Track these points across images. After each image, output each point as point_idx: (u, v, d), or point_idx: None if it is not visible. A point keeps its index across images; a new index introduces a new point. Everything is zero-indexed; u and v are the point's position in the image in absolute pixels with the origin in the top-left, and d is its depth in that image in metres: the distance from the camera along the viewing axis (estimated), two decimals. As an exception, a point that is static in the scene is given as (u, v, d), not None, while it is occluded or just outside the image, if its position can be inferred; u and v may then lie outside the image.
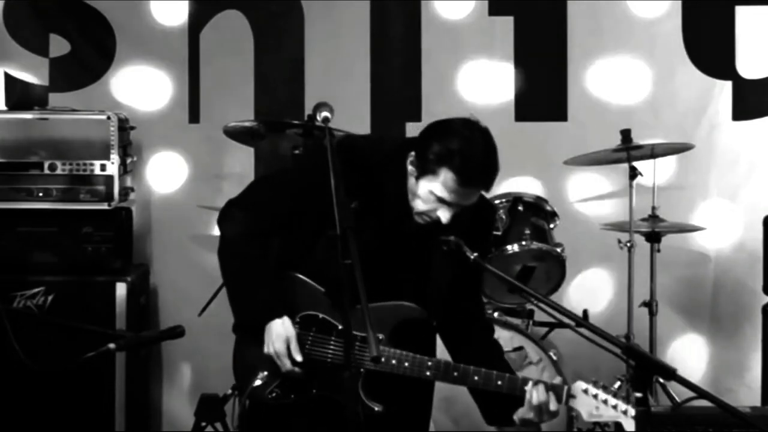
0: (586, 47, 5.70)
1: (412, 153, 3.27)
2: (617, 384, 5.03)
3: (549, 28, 5.70)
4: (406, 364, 3.27)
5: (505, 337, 4.63)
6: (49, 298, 5.02)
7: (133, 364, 5.10)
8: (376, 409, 3.27)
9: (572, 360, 5.16)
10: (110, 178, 5.10)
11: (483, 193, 3.34)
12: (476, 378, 3.25)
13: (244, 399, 3.35)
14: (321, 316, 3.34)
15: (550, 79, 5.71)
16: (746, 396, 5.59)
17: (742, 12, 5.65)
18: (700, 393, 2.85)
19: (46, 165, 5.08)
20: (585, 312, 4.81)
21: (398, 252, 3.35)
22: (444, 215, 3.23)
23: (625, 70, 5.69)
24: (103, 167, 5.10)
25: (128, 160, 5.34)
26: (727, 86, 5.67)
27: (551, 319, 3.71)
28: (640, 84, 5.69)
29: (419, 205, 3.26)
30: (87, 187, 5.10)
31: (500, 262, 4.74)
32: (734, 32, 5.65)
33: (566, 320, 3.15)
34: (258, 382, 3.31)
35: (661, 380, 4.92)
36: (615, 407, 3.13)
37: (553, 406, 3.19)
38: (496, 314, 4.79)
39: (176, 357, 5.70)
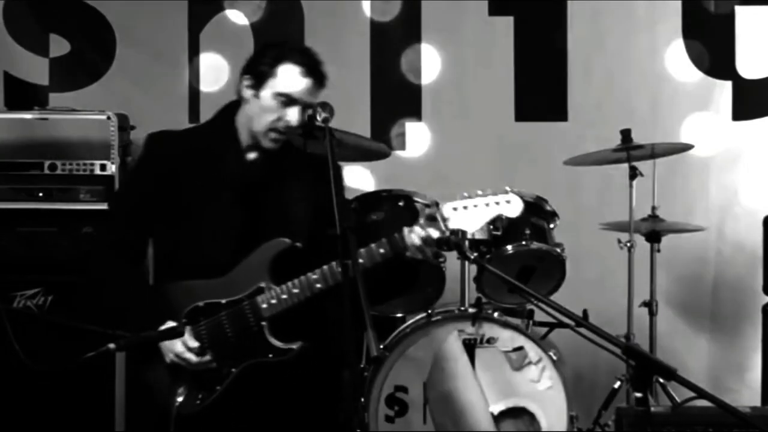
0: (586, 47, 5.70)
1: (245, 76, 3.47)
2: (617, 384, 5.03)
3: (549, 28, 5.70)
4: (296, 290, 3.35)
5: (505, 337, 4.64)
6: (49, 298, 5.02)
7: (133, 364, 5.10)
8: (295, 347, 3.36)
9: (572, 360, 5.16)
10: (110, 178, 5.10)
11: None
12: (361, 260, 3.28)
13: (173, 424, 3.36)
14: (201, 303, 3.41)
15: (550, 79, 5.72)
16: (746, 396, 5.59)
17: (742, 12, 5.65)
18: (700, 393, 2.85)
19: (46, 165, 5.08)
20: (585, 312, 4.80)
21: (252, 193, 3.46)
22: (292, 115, 3.40)
23: (625, 70, 5.69)
24: (103, 167, 5.09)
25: (128, 160, 5.33)
26: (727, 86, 5.68)
27: (551, 319, 3.71)
28: (641, 84, 5.69)
29: (267, 119, 3.42)
30: (87, 187, 5.09)
31: (500, 262, 4.73)
32: (734, 32, 5.66)
33: (566, 320, 3.14)
34: (180, 399, 3.36)
35: (661, 380, 4.92)
36: (496, 203, 3.28)
37: (435, 233, 3.29)
38: (496, 314, 4.79)
39: (176, 357, 5.69)
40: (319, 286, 3.35)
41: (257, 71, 3.45)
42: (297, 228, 3.45)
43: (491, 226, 4.78)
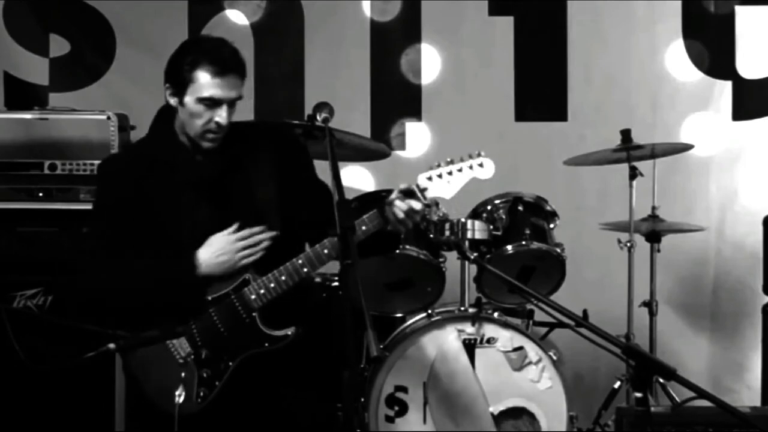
0: (586, 47, 5.70)
1: (166, 84, 3.45)
2: (617, 384, 5.03)
3: (549, 28, 5.71)
4: (283, 277, 3.37)
5: (505, 337, 4.64)
6: (49, 298, 5.02)
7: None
8: (289, 333, 3.39)
9: (572, 360, 5.16)
10: (110, 178, 5.09)
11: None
12: None
13: (176, 426, 3.34)
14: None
15: (550, 79, 5.72)
16: (746, 396, 5.59)
17: (742, 12, 5.66)
18: (700, 393, 2.85)
19: (46, 165, 5.08)
20: (585, 312, 4.80)
21: (214, 189, 3.47)
22: (221, 116, 3.39)
23: (625, 70, 5.70)
24: (103, 167, 5.09)
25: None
26: (727, 86, 5.68)
27: (551, 319, 3.71)
28: (641, 84, 5.70)
29: (198, 123, 3.41)
30: (87, 187, 5.09)
31: (500, 262, 4.73)
32: (734, 32, 5.66)
33: (566, 320, 3.15)
34: (181, 399, 3.34)
35: (661, 380, 4.92)
36: (470, 167, 3.33)
37: (417, 206, 3.33)
38: (496, 314, 4.79)
39: (176, 357, 5.69)
40: (306, 270, 3.37)
41: (176, 80, 3.43)
42: (268, 213, 3.46)
43: (491, 226, 4.79)
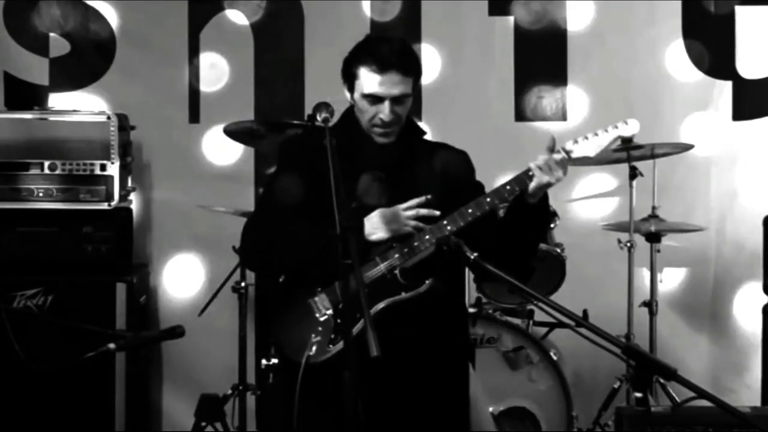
0: (586, 47, 5.70)
1: (342, 79, 3.58)
2: (617, 384, 5.04)
3: (549, 27, 5.70)
4: (427, 236, 3.43)
5: (505, 337, 4.64)
6: (49, 298, 5.02)
7: (133, 364, 5.11)
8: (427, 282, 3.43)
9: (572, 360, 5.16)
10: (110, 178, 5.10)
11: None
12: (488, 200, 3.45)
13: (303, 369, 3.36)
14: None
15: (550, 79, 5.71)
16: (746, 396, 5.59)
17: (742, 12, 5.65)
18: (700, 393, 2.85)
19: (46, 165, 5.09)
20: (585, 312, 4.81)
21: (387, 176, 3.55)
22: (383, 113, 3.49)
23: (625, 70, 5.69)
24: (103, 167, 5.10)
25: (128, 160, 5.34)
26: (727, 86, 5.67)
27: (551, 319, 3.71)
28: (641, 84, 5.69)
29: (364, 118, 3.53)
30: (87, 187, 5.10)
31: (500, 262, 4.73)
32: (734, 32, 5.66)
33: (566, 320, 3.14)
34: (314, 349, 3.37)
35: (661, 380, 4.92)
36: (614, 127, 3.50)
37: (557, 156, 3.49)
38: (496, 314, 4.79)
39: (176, 357, 5.70)
40: (449, 228, 3.41)
41: (346, 76, 3.57)
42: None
43: None
